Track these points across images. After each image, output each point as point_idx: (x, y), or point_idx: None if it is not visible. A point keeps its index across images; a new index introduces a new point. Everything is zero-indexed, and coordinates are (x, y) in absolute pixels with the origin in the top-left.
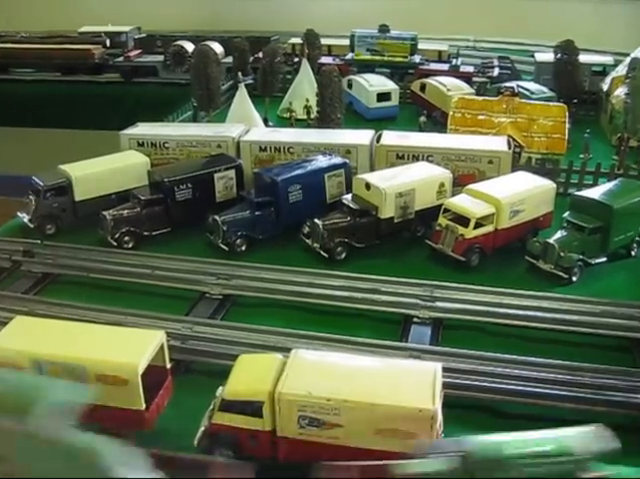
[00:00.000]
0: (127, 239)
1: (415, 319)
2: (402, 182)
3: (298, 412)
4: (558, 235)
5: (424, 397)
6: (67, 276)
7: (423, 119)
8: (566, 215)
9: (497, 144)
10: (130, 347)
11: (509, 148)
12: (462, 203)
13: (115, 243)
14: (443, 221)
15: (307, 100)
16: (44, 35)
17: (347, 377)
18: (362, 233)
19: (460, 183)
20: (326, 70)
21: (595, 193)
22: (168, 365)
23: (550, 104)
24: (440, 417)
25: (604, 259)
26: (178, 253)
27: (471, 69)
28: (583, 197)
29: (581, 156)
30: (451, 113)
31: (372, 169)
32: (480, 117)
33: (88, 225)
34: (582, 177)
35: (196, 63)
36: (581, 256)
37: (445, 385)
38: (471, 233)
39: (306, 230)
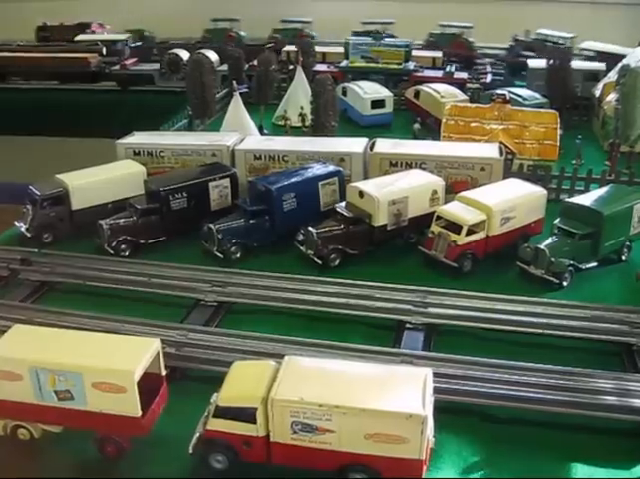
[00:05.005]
0: (123, 247)
1: (407, 325)
2: (395, 189)
3: (291, 418)
4: (549, 241)
5: (413, 403)
6: (64, 285)
7: (417, 126)
8: (557, 221)
9: (490, 151)
10: (126, 355)
11: (502, 154)
12: (454, 210)
13: (111, 252)
14: (435, 227)
15: (302, 107)
16: (40, 43)
17: (339, 383)
18: (355, 240)
19: (452, 190)
20: (320, 77)
21: (586, 199)
22: (164, 372)
23: (542, 110)
24: (430, 422)
25: (595, 265)
26: (174, 261)
27: (464, 75)
28: (574, 203)
29: (574, 161)
30: (443, 120)
31: (365, 176)
32: (473, 124)
33: (84, 233)
34: (574, 183)
35: (192, 71)
36: (572, 262)
37: (437, 391)
38: (463, 239)
39: (300, 237)
